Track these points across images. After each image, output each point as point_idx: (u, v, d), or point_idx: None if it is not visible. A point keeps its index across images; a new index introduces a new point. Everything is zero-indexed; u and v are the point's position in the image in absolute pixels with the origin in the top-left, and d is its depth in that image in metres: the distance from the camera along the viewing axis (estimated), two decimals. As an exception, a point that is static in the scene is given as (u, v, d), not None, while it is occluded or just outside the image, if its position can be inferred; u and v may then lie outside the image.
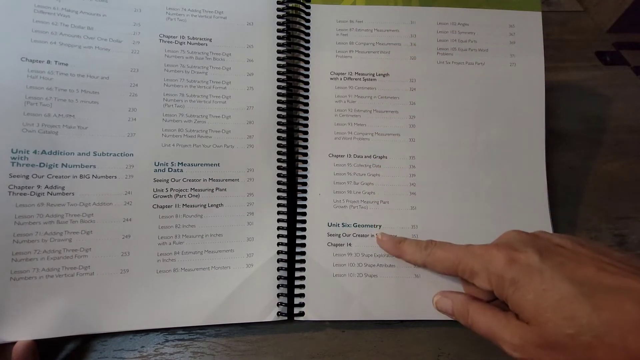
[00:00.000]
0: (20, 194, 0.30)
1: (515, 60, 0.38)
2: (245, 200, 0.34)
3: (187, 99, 0.35)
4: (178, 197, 0.33)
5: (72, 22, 0.33)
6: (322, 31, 0.38)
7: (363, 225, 0.35)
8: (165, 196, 0.33)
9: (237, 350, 0.32)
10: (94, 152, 0.32)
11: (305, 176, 0.35)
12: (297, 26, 0.38)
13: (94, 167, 0.32)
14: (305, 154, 0.36)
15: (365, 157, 0.36)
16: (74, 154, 0.32)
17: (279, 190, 0.35)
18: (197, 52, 0.36)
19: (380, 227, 0.35)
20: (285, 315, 0.32)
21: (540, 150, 0.37)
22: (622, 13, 0.48)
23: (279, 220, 0.34)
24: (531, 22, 0.39)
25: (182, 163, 0.34)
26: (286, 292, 0.33)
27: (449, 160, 0.36)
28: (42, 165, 0.31)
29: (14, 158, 0.30)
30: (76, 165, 0.32)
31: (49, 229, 0.30)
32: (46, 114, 0.31)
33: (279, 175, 0.35)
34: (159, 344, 0.32)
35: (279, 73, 0.37)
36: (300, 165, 0.36)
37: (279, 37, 0.37)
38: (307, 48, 0.38)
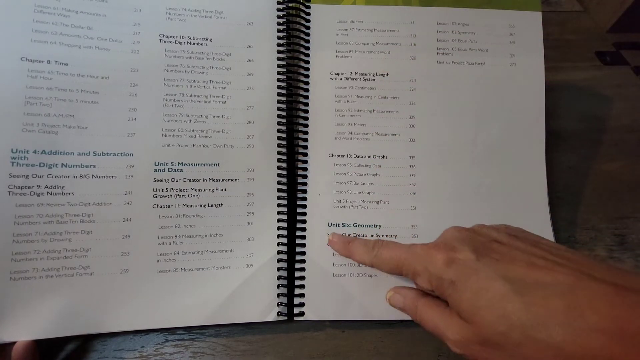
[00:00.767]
0: (20, 194, 0.30)
1: (515, 60, 0.38)
2: (245, 200, 0.34)
3: (187, 99, 0.35)
4: (178, 197, 0.33)
5: (72, 22, 0.33)
6: (322, 31, 0.38)
7: (363, 225, 0.35)
8: (165, 196, 0.33)
9: (237, 350, 0.32)
10: (93, 152, 0.32)
11: (305, 176, 0.35)
12: (297, 26, 0.38)
13: (94, 167, 0.32)
14: (305, 154, 0.36)
15: (365, 157, 0.36)
16: (73, 154, 0.32)
17: (279, 190, 0.35)
18: (197, 52, 0.36)
19: (380, 227, 0.35)
20: (285, 315, 0.32)
21: (540, 150, 0.37)
22: (622, 13, 0.49)
23: (279, 220, 0.34)
24: (531, 22, 0.39)
25: (182, 163, 0.34)
26: (286, 292, 0.33)
27: (449, 160, 0.36)
28: (42, 165, 0.31)
29: (13, 158, 0.30)
30: (76, 165, 0.32)
31: (48, 229, 0.30)
32: (46, 114, 0.31)
33: (279, 175, 0.35)
34: (159, 344, 0.32)
35: (279, 73, 0.37)
36: (300, 165, 0.36)
37: (279, 37, 0.37)
38: (307, 48, 0.38)
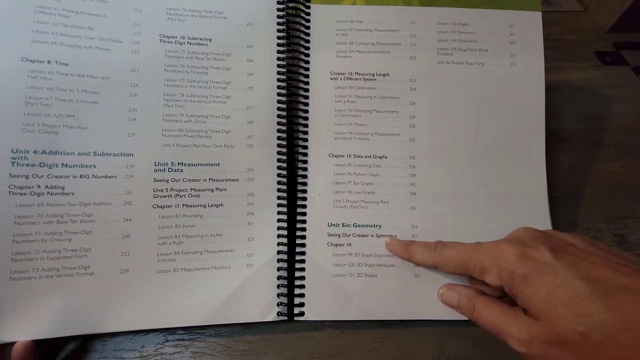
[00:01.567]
0: (20, 194, 0.30)
1: (515, 60, 0.38)
2: (245, 200, 0.34)
3: (187, 99, 0.35)
4: (178, 197, 0.33)
5: (72, 23, 0.33)
6: (322, 31, 0.38)
7: (363, 225, 0.35)
8: (165, 196, 0.33)
9: (237, 350, 0.32)
10: (94, 152, 0.32)
11: (305, 176, 0.35)
12: (297, 26, 0.38)
13: (94, 167, 0.32)
14: (305, 154, 0.36)
15: (365, 157, 0.36)
16: (74, 154, 0.32)
17: (279, 190, 0.35)
18: (197, 52, 0.36)
19: (380, 227, 0.35)
20: (285, 315, 0.32)
21: (540, 150, 0.37)
22: (622, 13, 0.49)
23: (279, 220, 0.34)
24: (531, 22, 0.39)
25: (182, 163, 0.34)
26: (286, 292, 0.33)
27: (449, 160, 0.36)
28: (42, 165, 0.31)
29: (14, 158, 0.30)
30: (76, 165, 0.32)
31: (48, 229, 0.30)
32: (46, 114, 0.31)
33: (279, 175, 0.35)
34: (159, 344, 0.32)
35: (279, 73, 0.37)
36: (300, 165, 0.36)
37: (279, 37, 0.37)
38: (307, 48, 0.38)
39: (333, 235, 0.34)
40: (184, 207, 0.33)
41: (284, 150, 0.36)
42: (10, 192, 0.30)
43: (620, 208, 0.39)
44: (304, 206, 0.35)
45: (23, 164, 0.30)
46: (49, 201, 0.31)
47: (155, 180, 0.33)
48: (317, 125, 0.36)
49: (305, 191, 0.35)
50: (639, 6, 0.48)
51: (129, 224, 0.32)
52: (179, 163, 0.34)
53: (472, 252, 0.28)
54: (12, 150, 0.30)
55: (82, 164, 0.32)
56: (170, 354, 0.32)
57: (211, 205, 0.34)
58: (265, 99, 0.36)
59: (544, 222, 0.35)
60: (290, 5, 0.38)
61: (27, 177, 0.30)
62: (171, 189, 0.33)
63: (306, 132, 0.36)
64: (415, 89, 0.37)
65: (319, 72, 0.37)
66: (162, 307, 0.31)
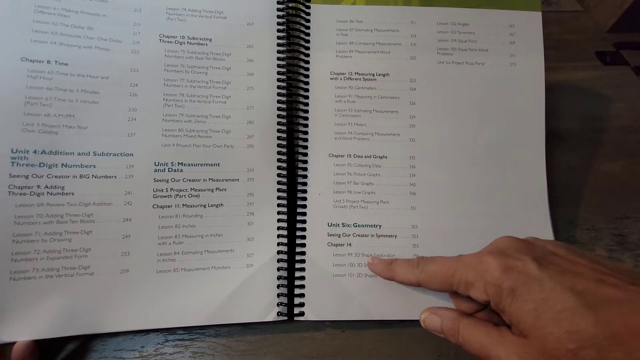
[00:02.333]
0: (20, 194, 0.30)
1: (515, 60, 0.38)
2: (245, 200, 0.34)
3: (187, 99, 0.35)
4: (178, 197, 0.33)
5: (72, 22, 0.33)
6: (322, 31, 0.38)
7: (363, 225, 0.35)
8: (165, 196, 0.33)
9: (237, 350, 0.32)
10: (93, 152, 0.32)
11: (305, 176, 0.35)
12: (297, 26, 0.38)
13: (94, 167, 0.32)
14: (305, 154, 0.36)
15: (365, 157, 0.36)
16: (73, 154, 0.32)
17: (279, 190, 0.35)
18: (197, 52, 0.36)
19: (380, 227, 0.35)
20: (285, 315, 0.32)
21: (540, 150, 0.37)
22: (622, 13, 0.49)
23: (279, 220, 0.34)
24: (531, 22, 0.39)
25: (182, 163, 0.34)
26: (286, 292, 0.33)
27: (449, 160, 0.36)
28: (42, 165, 0.31)
29: (14, 158, 0.30)
30: (76, 165, 0.32)
31: (48, 229, 0.30)
32: (46, 114, 0.31)
33: (279, 175, 0.35)
34: (159, 344, 0.32)
35: (279, 73, 0.37)
36: (300, 165, 0.36)
37: (279, 37, 0.37)
38: (307, 48, 0.38)
39: (333, 235, 0.34)
40: (184, 207, 0.33)
41: (284, 150, 0.36)
42: (10, 192, 0.30)
43: (620, 208, 0.39)
44: (304, 206, 0.35)
45: (23, 164, 0.30)
46: (48, 201, 0.31)
47: (155, 180, 0.33)
48: (317, 125, 0.36)
49: (305, 191, 0.35)
50: (639, 6, 0.48)
51: (129, 224, 0.32)
52: (179, 163, 0.34)
53: (455, 266, 0.26)
54: (12, 150, 0.30)
55: (82, 164, 0.32)
56: (170, 354, 0.32)
57: (211, 205, 0.34)
58: (265, 99, 0.36)
59: (544, 222, 0.36)
60: (290, 5, 0.38)
61: (26, 177, 0.30)
62: (171, 189, 0.33)
63: (306, 132, 0.36)
64: (415, 89, 0.37)
65: (319, 72, 0.37)
66: (162, 307, 0.31)
